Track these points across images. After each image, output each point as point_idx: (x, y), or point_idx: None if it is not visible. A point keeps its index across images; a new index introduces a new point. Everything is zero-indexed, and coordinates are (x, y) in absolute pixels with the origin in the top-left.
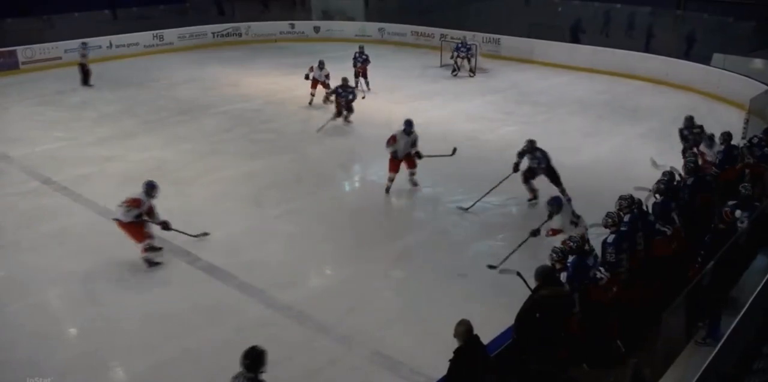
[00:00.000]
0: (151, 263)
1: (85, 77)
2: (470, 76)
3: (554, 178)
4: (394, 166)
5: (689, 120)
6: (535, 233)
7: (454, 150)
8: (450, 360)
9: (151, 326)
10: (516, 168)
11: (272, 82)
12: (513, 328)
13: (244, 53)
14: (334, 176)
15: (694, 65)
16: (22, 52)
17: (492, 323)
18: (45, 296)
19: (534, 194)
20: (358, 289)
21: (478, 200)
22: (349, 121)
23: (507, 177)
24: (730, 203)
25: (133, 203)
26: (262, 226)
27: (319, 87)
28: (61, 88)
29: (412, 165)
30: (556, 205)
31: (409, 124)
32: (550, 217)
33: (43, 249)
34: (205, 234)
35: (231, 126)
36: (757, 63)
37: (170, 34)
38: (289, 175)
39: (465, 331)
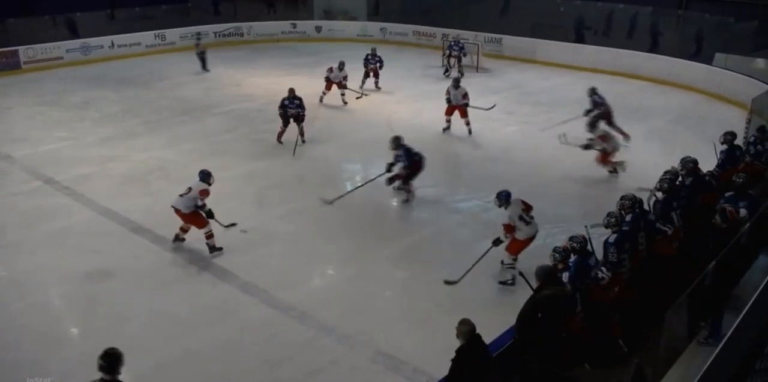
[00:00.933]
0: (213, 249)
1: (204, 63)
2: (459, 76)
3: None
4: (449, 111)
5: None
6: (497, 242)
7: (493, 106)
8: (452, 360)
9: (152, 326)
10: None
11: (274, 82)
12: (515, 328)
13: (246, 53)
14: (336, 176)
15: (697, 65)
16: (24, 51)
17: (494, 323)
18: (46, 296)
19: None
20: (360, 289)
21: (466, 273)
22: (303, 140)
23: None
24: (727, 194)
25: (205, 193)
26: (264, 226)
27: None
28: (63, 88)
29: (463, 114)
30: (503, 199)
31: (456, 80)
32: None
33: (44, 249)
34: (233, 224)
35: (233, 126)
36: (759, 63)
37: (172, 34)
38: (291, 175)
39: (467, 331)
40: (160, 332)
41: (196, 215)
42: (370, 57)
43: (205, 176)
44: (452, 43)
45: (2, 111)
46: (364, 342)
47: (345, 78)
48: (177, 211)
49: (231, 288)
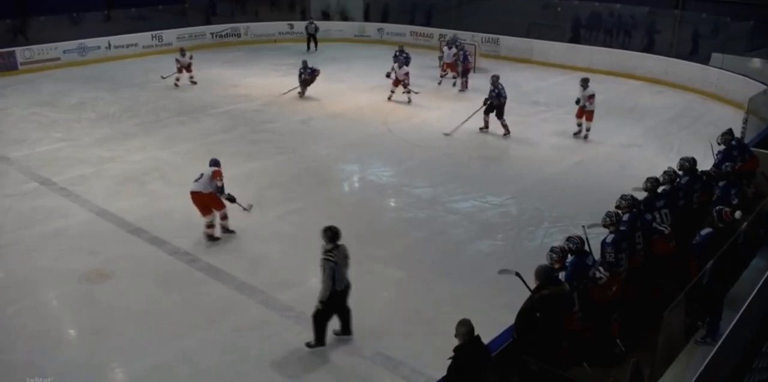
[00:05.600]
0: (227, 230)
1: (312, 43)
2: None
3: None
4: (443, 68)
5: None
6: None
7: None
8: (450, 359)
9: (149, 326)
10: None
11: (272, 82)
12: (513, 327)
13: (243, 54)
14: (333, 176)
15: (693, 65)
16: (21, 52)
17: (492, 323)
18: (44, 297)
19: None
20: (357, 289)
21: (460, 125)
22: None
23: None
24: (721, 183)
25: (218, 174)
26: (262, 226)
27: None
28: (60, 89)
29: (452, 69)
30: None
31: (452, 40)
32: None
33: (41, 250)
34: (251, 206)
35: (230, 127)
36: (756, 62)
37: (169, 34)
38: (288, 175)
39: (466, 331)
40: (157, 332)
41: (215, 196)
42: (398, 54)
43: (217, 161)
44: (451, 46)
45: None
46: (361, 342)
47: (407, 74)
48: (195, 195)
49: (228, 289)
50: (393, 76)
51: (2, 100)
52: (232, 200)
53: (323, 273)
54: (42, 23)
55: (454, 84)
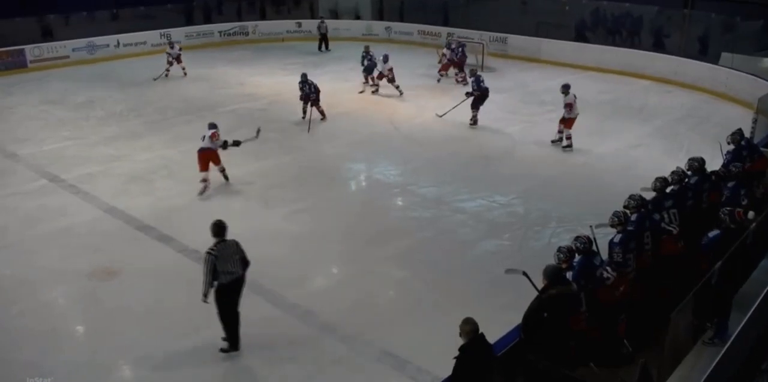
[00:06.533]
0: (226, 178)
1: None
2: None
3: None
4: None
5: None
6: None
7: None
8: (455, 358)
9: (155, 324)
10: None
11: (279, 81)
12: (520, 327)
13: (251, 52)
14: (339, 176)
15: (702, 64)
16: (30, 50)
17: (498, 322)
18: (50, 295)
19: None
20: (363, 288)
21: (453, 108)
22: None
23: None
24: (730, 184)
25: (215, 135)
26: (269, 225)
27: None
28: (69, 87)
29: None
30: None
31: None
32: None
33: (48, 248)
34: (259, 130)
35: (237, 125)
36: (766, 62)
37: (177, 33)
38: (295, 174)
39: (470, 329)
40: (163, 330)
41: (216, 152)
42: (454, 46)
43: (215, 124)
44: (451, 46)
45: (7, 110)
46: (367, 341)
47: (391, 70)
48: (203, 151)
49: None
50: (377, 71)
51: (11, 98)
52: (238, 143)
53: (203, 267)
54: (51, 21)
55: (457, 80)
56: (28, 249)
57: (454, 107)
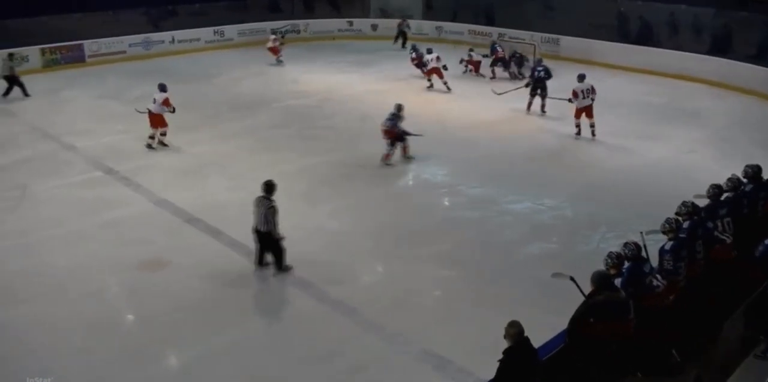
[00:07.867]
0: (163, 144)
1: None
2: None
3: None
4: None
5: None
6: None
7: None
8: (499, 360)
9: (202, 316)
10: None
11: (330, 79)
12: (566, 332)
13: (302, 50)
14: (386, 174)
15: (757, 68)
16: (89, 45)
17: (542, 327)
18: (101, 285)
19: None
20: (407, 287)
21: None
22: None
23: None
24: None
25: (167, 103)
26: (313, 222)
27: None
28: (124, 82)
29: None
30: None
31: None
32: None
33: (101, 238)
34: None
35: (288, 122)
36: None
37: (230, 30)
38: (342, 172)
39: (515, 332)
40: (209, 322)
41: (162, 116)
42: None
43: (163, 88)
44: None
45: (67, 102)
46: (410, 340)
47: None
48: (151, 114)
49: (282, 280)
50: (430, 65)
51: (71, 91)
52: (173, 111)
53: (276, 216)
54: (109, 17)
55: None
56: (81, 238)
57: (515, 89)
